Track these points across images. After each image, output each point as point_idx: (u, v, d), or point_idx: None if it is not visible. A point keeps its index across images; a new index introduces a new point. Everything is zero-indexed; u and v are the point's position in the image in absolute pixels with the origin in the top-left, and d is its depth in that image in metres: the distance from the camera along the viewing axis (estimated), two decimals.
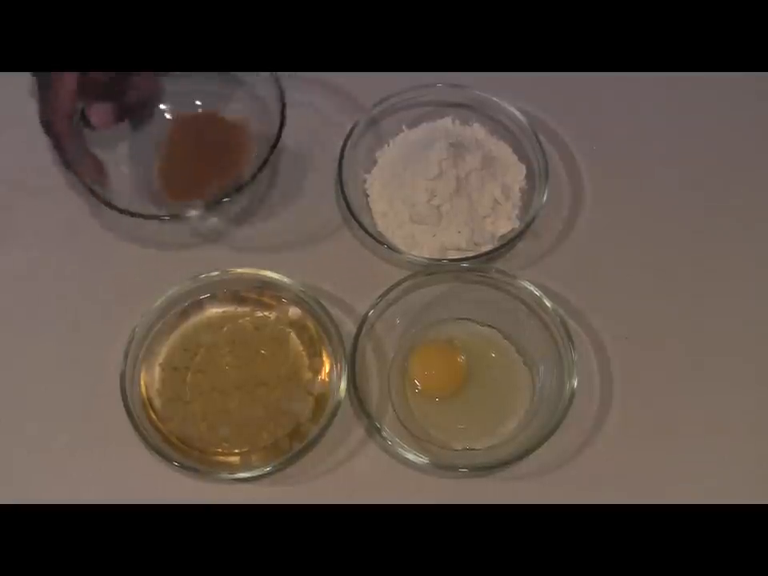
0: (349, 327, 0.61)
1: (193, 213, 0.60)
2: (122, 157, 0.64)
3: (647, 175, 0.67)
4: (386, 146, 0.67)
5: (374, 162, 0.66)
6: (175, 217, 0.62)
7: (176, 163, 0.65)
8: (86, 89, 0.57)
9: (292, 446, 0.57)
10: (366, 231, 0.62)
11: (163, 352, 0.60)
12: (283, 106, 0.61)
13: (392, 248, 0.62)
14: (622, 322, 0.62)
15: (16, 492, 0.58)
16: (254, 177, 0.60)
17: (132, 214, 0.59)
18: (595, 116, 0.70)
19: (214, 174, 0.63)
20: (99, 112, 0.60)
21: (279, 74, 0.62)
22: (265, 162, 0.60)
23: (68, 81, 0.56)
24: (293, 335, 0.61)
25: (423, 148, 0.64)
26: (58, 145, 0.58)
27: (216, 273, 0.61)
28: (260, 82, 0.63)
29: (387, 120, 0.67)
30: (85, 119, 0.60)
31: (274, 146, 0.61)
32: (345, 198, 0.63)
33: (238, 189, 0.60)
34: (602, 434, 0.59)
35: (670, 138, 0.69)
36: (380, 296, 0.60)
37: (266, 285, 0.61)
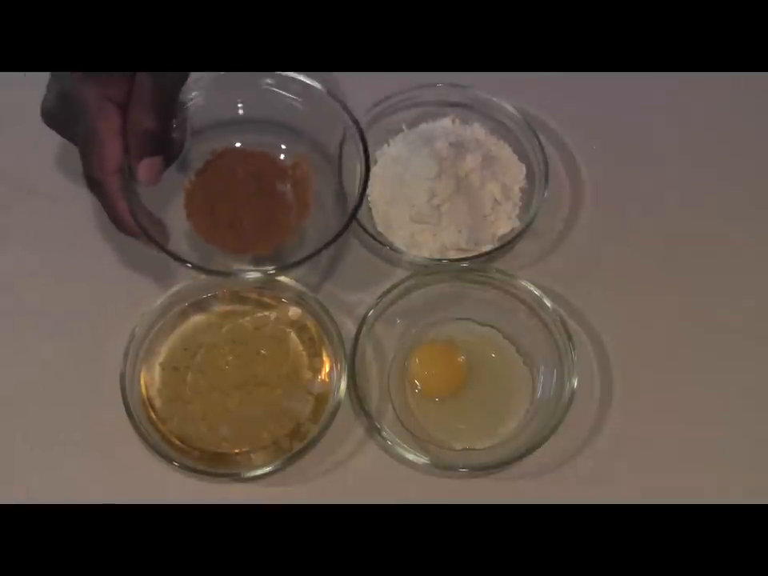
0: (349, 327, 0.61)
1: (250, 274, 0.55)
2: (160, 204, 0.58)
3: (647, 175, 0.68)
4: (386, 145, 0.67)
5: (374, 162, 0.66)
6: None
7: (222, 207, 0.58)
8: (133, 141, 0.52)
9: (292, 446, 0.57)
10: (366, 231, 0.62)
11: (163, 352, 0.60)
12: (367, 165, 0.55)
13: (392, 248, 0.62)
14: (621, 322, 0.62)
15: (16, 492, 0.58)
16: (324, 248, 0.54)
17: (211, 272, 0.55)
18: (595, 116, 0.70)
19: (269, 233, 0.57)
20: (148, 167, 0.53)
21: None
22: (338, 236, 0.54)
23: (115, 135, 0.51)
24: (293, 335, 0.61)
25: (423, 148, 0.64)
26: (110, 204, 0.53)
27: None
28: (322, 119, 0.58)
29: (387, 120, 0.67)
30: (131, 173, 0.53)
31: (353, 216, 0.54)
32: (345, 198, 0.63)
33: (298, 262, 0.54)
34: (602, 434, 0.59)
35: (670, 138, 0.69)
36: (380, 296, 0.60)
37: (266, 285, 0.61)
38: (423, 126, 0.68)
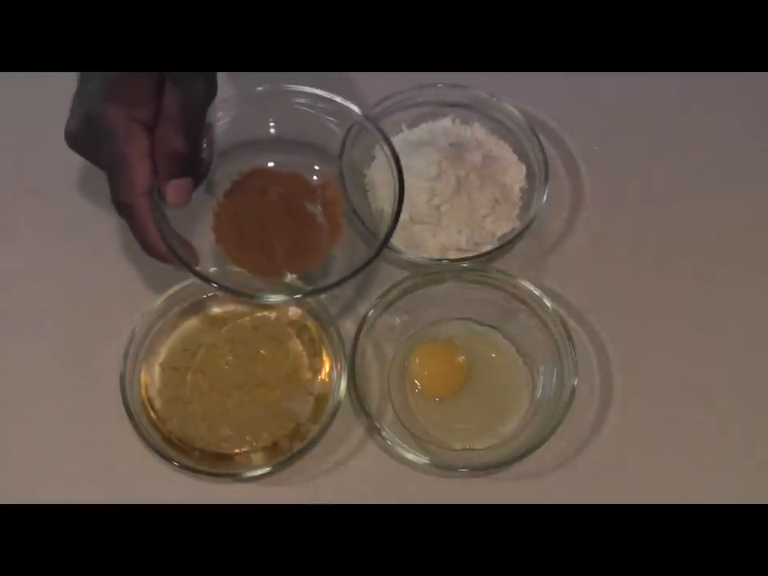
0: (349, 327, 0.61)
1: (276, 297, 0.55)
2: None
3: (647, 175, 0.68)
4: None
5: (373, 158, 0.66)
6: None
7: (248, 227, 0.57)
8: (162, 162, 0.51)
9: (292, 446, 0.57)
10: (368, 229, 0.62)
11: (163, 352, 0.60)
12: (401, 189, 0.54)
13: (392, 248, 0.62)
14: (622, 322, 0.62)
15: (16, 492, 0.58)
16: (356, 273, 0.53)
17: (242, 294, 0.54)
18: (595, 116, 0.70)
19: (300, 255, 0.56)
20: (177, 189, 0.52)
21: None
22: (371, 260, 0.53)
23: (143, 158, 0.50)
24: (293, 335, 0.61)
25: (423, 148, 0.64)
26: (139, 228, 0.52)
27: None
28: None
29: (387, 120, 0.67)
30: (160, 195, 0.52)
31: (387, 239, 0.53)
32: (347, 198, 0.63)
33: (328, 287, 0.53)
34: (602, 434, 0.59)
35: (670, 138, 0.69)
36: (380, 296, 0.60)
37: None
38: (423, 126, 0.68)
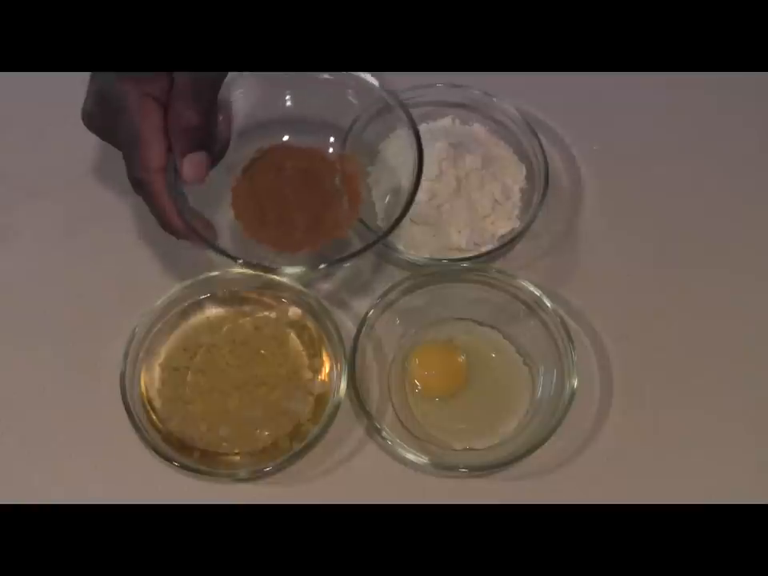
0: (349, 327, 0.61)
1: (296, 269, 0.55)
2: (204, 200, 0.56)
3: (647, 175, 0.68)
4: (387, 138, 0.66)
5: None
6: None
7: (270, 204, 0.57)
8: (176, 137, 0.50)
9: (292, 446, 0.57)
10: (369, 229, 0.62)
11: (163, 352, 0.60)
12: (420, 164, 0.54)
13: (392, 248, 0.62)
14: (622, 322, 0.63)
15: (16, 492, 0.58)
16: (373, 244, 0.54)
17: (259, 268, 0.54)
18: (595, 116, 0.70)
19: (320, 229, 0.56)
20: (193, 163, 0.51)
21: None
22: (388, 232, 0.54)
23: (157, 132, 0.50)
24: (293, 335, 0.61)
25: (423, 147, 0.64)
26: (156, 204, 0.52)
27: (216, 273, 0.61)
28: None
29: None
30: (177, 172, 0.51)
31: (405, 212, 0.53)
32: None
33: (344, 258, 0.54)
34: (602, 434, 0.59)
35: (670, 138, 0.69)
36: (380, 296, 0.60)
37: (266, 285, 0.61)
38: (423, 126, 0.67)
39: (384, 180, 0.63)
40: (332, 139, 0.60)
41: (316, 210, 0.57)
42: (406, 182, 0.55)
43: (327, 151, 0.59)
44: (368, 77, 0.57)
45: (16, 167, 0.67)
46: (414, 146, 0.55)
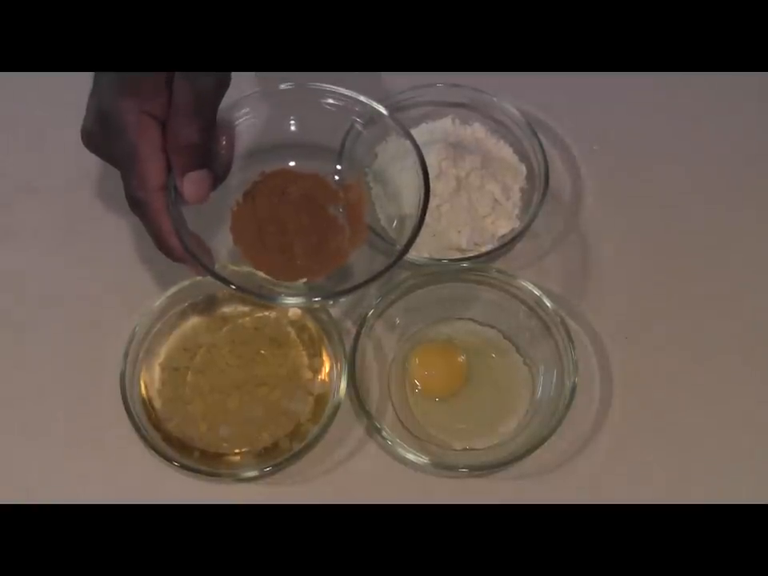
0: (349, 327, 0.61)
1: (293, 300, 0.53)
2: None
3: (647, 175, 0.68)
4: (384, 141, 0.66)
5: (375, 156, 0.66)
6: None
7: (270, 230, 0.55)
8: (176, 155, 0.50)
9: (292, 446, 0.57)
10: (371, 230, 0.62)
11: (163, 352, 0.60)
12: (426, 194, 0.52)
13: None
14: (622, 322, 0.63)
15: (16, 492, 0.57)
16: (373, 278, 0.51)
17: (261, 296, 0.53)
18: (595, 116, 0.70)
19: (321, 258, 0.55)
20: (194, 182, 0.50)
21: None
22: (393, 263, 0.51)
23: (156, 150, 0.49)
24: (293, 335, 0.61)
25: (423, 148, 0.64)
26: (154, 225, 0.51)
27: None
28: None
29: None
30: (177, 193, 0.50)
31: (411, 243, 0.51)
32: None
33: (347, 291, 0.52)
34: (602, 434, 0.59)
35: (670, 138, 0.69)
36: (380, 296, 0.60)
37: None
38: (423, 126, 0.68)
39: (390, 206, 0.61)
40: (338, 166, 0.59)
41: (317, 239, 0.55)
42: (410, 210, 0.54)
43: (331, 178, 0.58)
44: (375, 104, 0.56)
45: (16, 167, 0.67)
46: (421, 175, 0.54)
